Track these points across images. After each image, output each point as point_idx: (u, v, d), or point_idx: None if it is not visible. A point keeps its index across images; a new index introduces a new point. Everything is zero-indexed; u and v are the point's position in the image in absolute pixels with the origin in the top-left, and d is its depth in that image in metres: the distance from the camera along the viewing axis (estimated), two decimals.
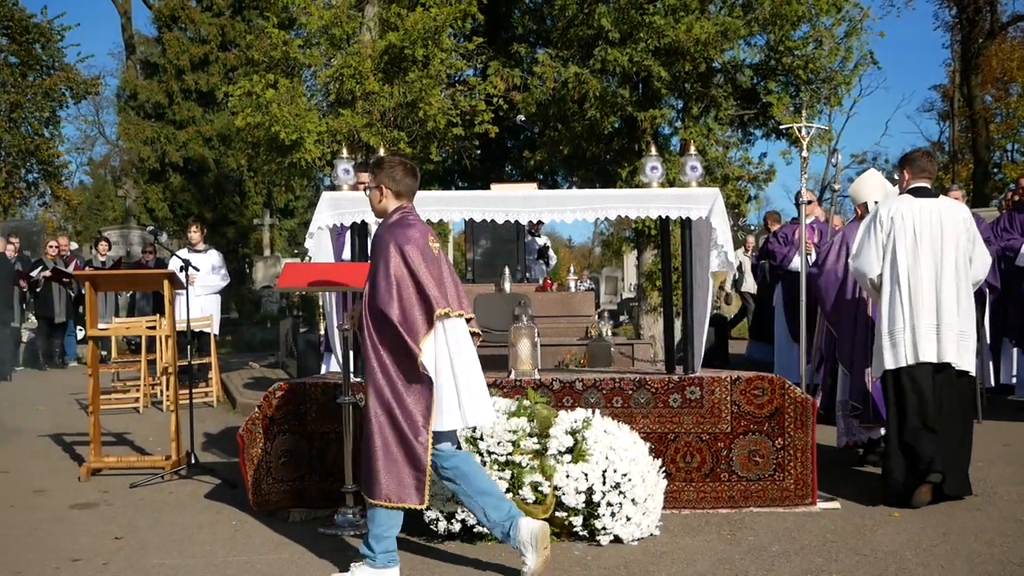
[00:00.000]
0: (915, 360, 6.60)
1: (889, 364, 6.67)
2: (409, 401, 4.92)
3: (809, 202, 10.64)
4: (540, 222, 15.71)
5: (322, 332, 9.91)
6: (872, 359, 7.05)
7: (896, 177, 7.38)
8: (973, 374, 6.79)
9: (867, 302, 7.66)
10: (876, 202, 7.73)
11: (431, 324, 4.94)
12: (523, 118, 13.82)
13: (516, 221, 6.77)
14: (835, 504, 6.51)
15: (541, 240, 17.20)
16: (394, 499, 4.92)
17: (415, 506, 4.98)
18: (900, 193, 7.05)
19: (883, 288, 6.80)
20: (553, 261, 17.17)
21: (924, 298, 6.63)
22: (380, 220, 5.30)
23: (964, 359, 6.64)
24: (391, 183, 5.25)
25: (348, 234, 7.36)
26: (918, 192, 6.89)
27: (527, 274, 14.86)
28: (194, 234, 12.85)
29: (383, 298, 4.93)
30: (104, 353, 12.76)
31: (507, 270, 12.43)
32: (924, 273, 6.66)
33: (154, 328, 11.27)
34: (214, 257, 12.86)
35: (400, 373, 4.93)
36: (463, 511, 5.56)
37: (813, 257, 10.87)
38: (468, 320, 5.27)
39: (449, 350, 5.06)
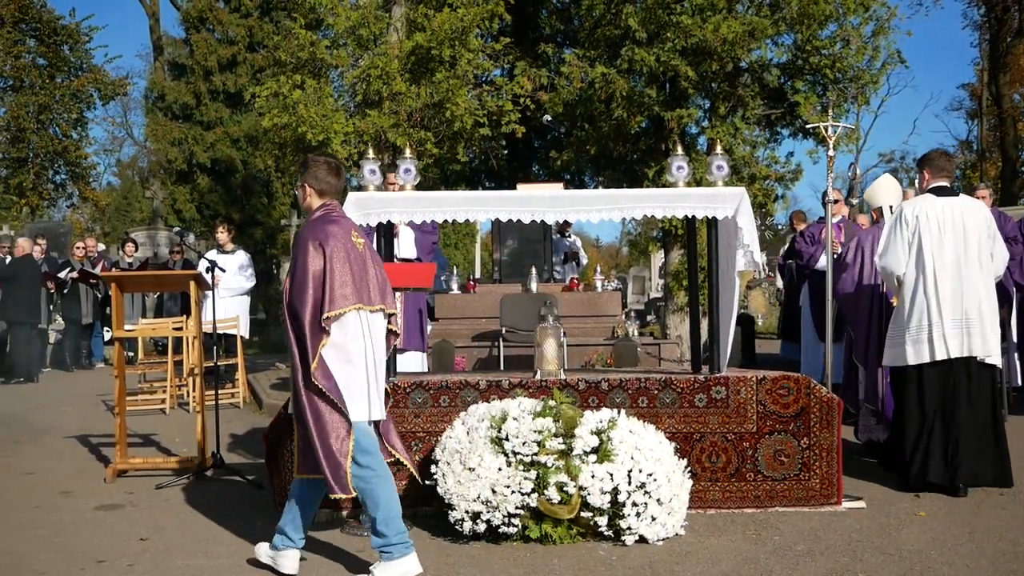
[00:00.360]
0: (945, 355, 6.83)
1: (912, 359, 6.94)
2: (328, 390, 5.03)
3: (836, 201, 10.60)
4: (567, 223, 15.76)
5: None
6: (890, 350, 7.22)
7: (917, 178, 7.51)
8: (999, 366, 7.05)
9: (881, 303, 7.90)
10: (891, 207, 8.12)
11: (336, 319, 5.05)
12: (550, 118, 13.82)
13: (543, 221, 6.75)
14: (860, 503, 6.48)
15: (569, 240, 17.10)
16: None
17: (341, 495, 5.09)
18: (920, 192, 7.29)
19: (906, 284, 7.03)
20: (584, 261, 17.02)
21: (950, 294, 6.86)
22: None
23: (991, 351, 6.88)
24: (314, 182, 5.41)
25: (374, 235, 7.38)
26: (940, 191, 7.12)
27: (554, 275, 14.84)
28: (222, 235, 12.90)
29: (297, 293, 5.04)
30: (131, 354, 12.86)
31: (534, 270, 12.44)
32: (950, 269, 6.89)
33: (180, 329, 11.32)
34: (241, 258, 12.91)
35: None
36: (488, 511, 5.55)
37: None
38: (390, 317, 5.37)
39: (373, 344, 5.19)
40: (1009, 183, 30.48)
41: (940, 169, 7.22)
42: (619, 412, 5.92)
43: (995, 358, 6.92)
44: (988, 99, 36.52)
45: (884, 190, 8.58)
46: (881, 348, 7.52)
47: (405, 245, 8.72)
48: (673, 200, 6.70)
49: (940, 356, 6.85)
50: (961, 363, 6.84)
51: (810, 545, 5.57)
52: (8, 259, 15.60)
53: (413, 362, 8.95)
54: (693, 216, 6.80)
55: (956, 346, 6.83)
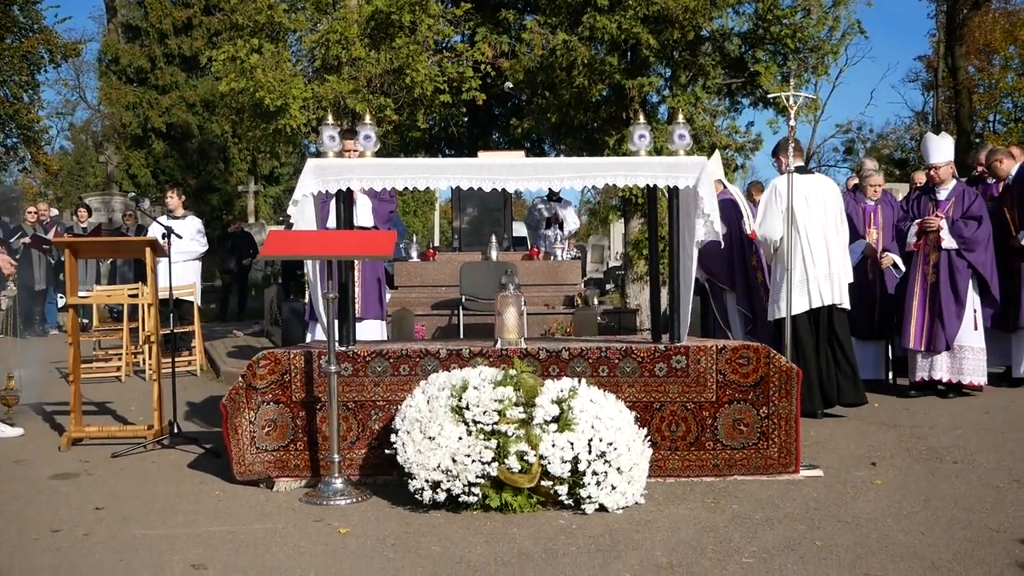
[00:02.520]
0: (820, 303, 8.68)
1: (803, 307, 8.59)
2: None
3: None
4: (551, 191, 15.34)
5: (307, 300, 9.86)
6: (776, 305, 8.74)
7: (863, 159, 8.59)
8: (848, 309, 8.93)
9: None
10: (721, 180, 9.86)
11: None
12: (511, 85, 13.78)
13: (503, 189, 6.71)
14: (818, 472, 6.52)
15: (551, 204, 16.14)
16: None
17: None
18: (781, 173, 8.75)
19: (782, 247, 8.24)
20: (572, 227, 16.21)
21: (818, 253, 8.64)
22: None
23: (845, 300, 8.78)
24: None
25: (332, 202, 7.31)
26: (801, 170, 8.85)
27: (539, 243, 14.65)
28: (172, 200, 12.73)
29: None
30: (85, 321, 12.71)
31: (494, 238, 12.41)
32: (818, 233, 8.66)
33: (136, 296, 11.20)
34: (195, 223, 12.79)
35: None
36: (448, 480, 5.54)
37: None
38: None
39: None
40: (964, 155, 30.67)
41: (796, 153, 8.64)
42: (580, 381, 5.92)
43: (846, 304, 8.80)
44: (944, 71, 36.75)
45: (716, 167, 9.83)
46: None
47: (363, 213, 8.64)
48: (635, 169, 6.67)
49: (816, 304, 8.66)
50: (826, 309, 8.71)
51: (768, 513, 5.60)
52: None
53: (372, 330, 8.90)
54: (654, 185, 6.78)
55: (828, 295, 8.67)
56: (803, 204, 8.64)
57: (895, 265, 10.10)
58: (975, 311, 9.41)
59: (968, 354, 9.34)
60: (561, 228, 15.29)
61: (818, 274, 8.62)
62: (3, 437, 8.25)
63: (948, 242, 9.49)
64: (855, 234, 10.12)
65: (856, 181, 11.33)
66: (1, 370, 8.78)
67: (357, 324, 7.28)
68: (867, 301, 10.27)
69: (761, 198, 9.39)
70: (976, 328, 9.43)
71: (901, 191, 12.80)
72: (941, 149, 9.63)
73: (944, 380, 9.38)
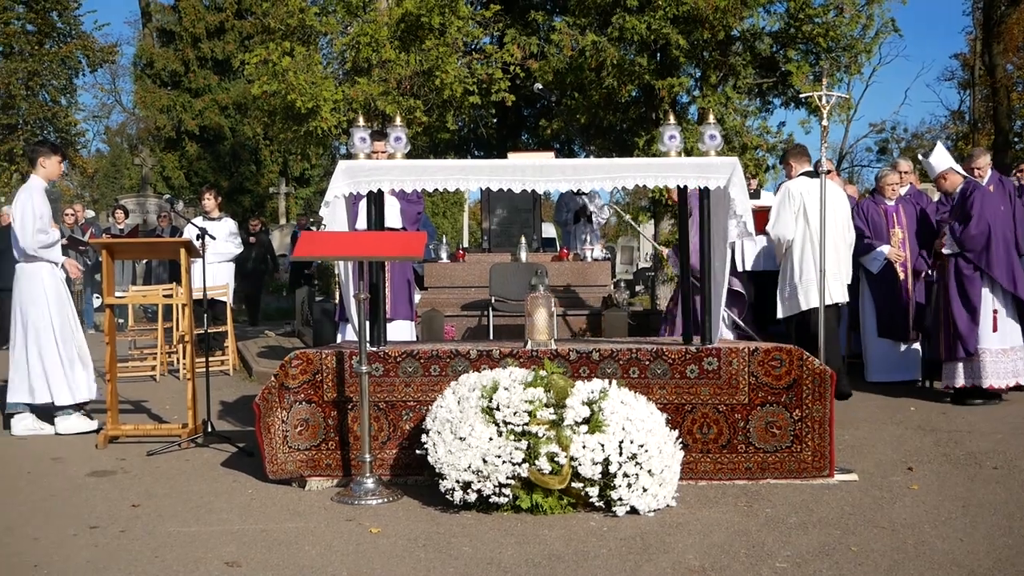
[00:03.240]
0: (830, 300, 9.08)
1: (804, 306, 9.27)
2: None
3: (828, 171, 10.59)
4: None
5: (337, 301, 9.89)
6: (788, 302, 9.50)
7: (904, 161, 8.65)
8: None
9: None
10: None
11: None
12: (540, 86, 13.78)
13: (532, 190, 6.71)
14: (853, 476, 6.47)
15: (582, 198, 15.86)
16: None
17: None
18: (789, 178, 9.73)
19: (795, 248, 9.36)
20: (602, 219, 15.95)
21: (828, 255, 8.82)
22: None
23: (845, 297, 9.61)
24: None
25: (362, 203, 7.33)
26: (809, 175, 9.51)
27: (570, 241, 14.59)
28: (208, 202, 12.83)
29: None
30: (121, 321, 12.81)
31: (523, 239, 12.40)
32: (827, 235, 8.82)
33: (171, 296, 11.28)
34: (229, 224, 12.87)
35: None
36: (479, 481, 5.54)
37: None
38: None
39: None
40: (1002, 154, 30.43)
41: (804, 158, 9.74)
42: (610, 382, 5.90)
43: (845, 299, 9.60)
44: (981, 69, 36.41)
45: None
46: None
47: (391, 215, 8.67)
48: (665, 169, 6.66)
49: (828, 302, 8.94)
50: (834, 307, 9.32)
51: (802, 518, 5.57)
52: None
53: (402, 331, 8.93)
54: (685, 186, 6.77)
55: (837, 295, 9.35)
56: (813, 208, 9.05)
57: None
58: (995, 312, 9.23)
59: (987, 357, 9.17)
60: (590, 221, 15.21)
61: (829, 273, 8.91)
62: (78, 432, 8.42)
63: (949, 247, 9.54)
64: (876, 239, 10.18)
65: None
66: None
67: (387, 325, 7.30)
68: (897, 302, 10.22)
69: (774, 200, 9.94)
70: (995, 330, 9.15)
71: (934, 191, 12.69)
72: (939, 159, 9.53)
73: (961, 386, 9.26)
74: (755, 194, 11.90)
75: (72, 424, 8.47)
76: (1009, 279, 9.12)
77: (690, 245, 7.55)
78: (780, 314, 9.61)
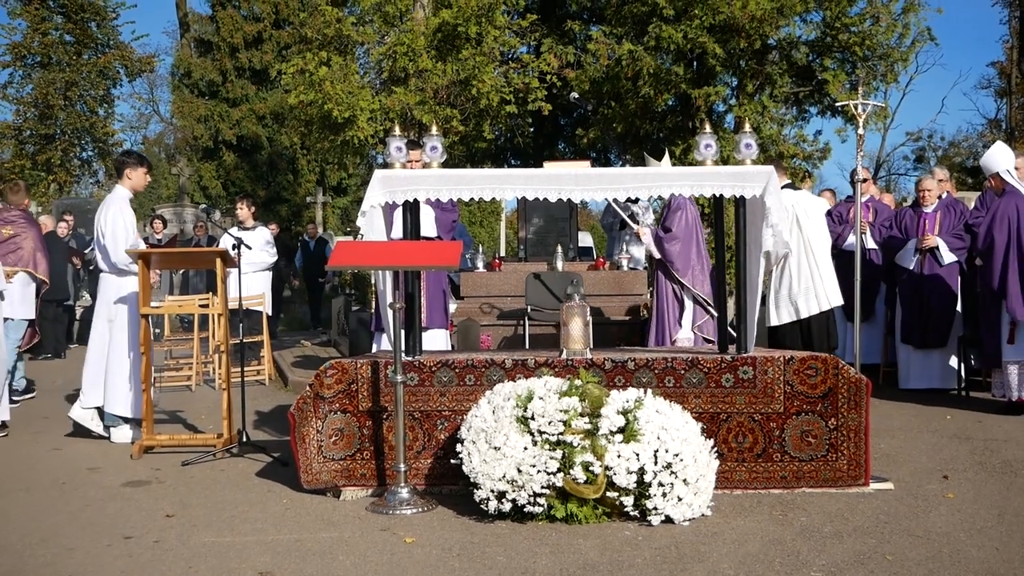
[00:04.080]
0: (828, 306, 9.53)
1: (805, 313, 9.50)
2: None
3: (864, 180, 10.58)
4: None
5: (373, 310, 9.93)
6: (780, 310, 9.66)
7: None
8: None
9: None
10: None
11: None
12: (576, 96, 13.80)
13: (569, 199, 6.71)
14: (888, 485, 6.43)
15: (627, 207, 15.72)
16: None
17: None
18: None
19: (792, 257, 9.38)
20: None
21: (803, 269, 9.39)
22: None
23: (833, 301, 9.62)
24: None
25: (398, 212, 7.35)
26: (788, 187, 9.64)
27: (615, 248, 14.53)
28: (242, 211, 12.88)
29: None
30: (157, 331, 12.88)
31: (559, 248, 12.39)
32: (803, 249, 9.36)
33: (206, 306, 11.35)
34: (265, 234, 12.93)
35: None
36: (514, 490, 5.54)
37: (869, 235, 10.78)
38: None
39: None
40: None
41: (781, 172, 9.80)
42: (645, 392, 5.89)
43: (835, 302, 9.65)
44: (1017, 77, 36.08)
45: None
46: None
47: (426, 224, 8.69)
48: (701, 178, 6.64)
49: (825, 307, 9.49)
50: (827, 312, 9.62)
51: (837, 527, 5.54)
52: None
53: (437, 340, 8.94)
54: (721, 195, 6.75)
55: (813, 307, 9.51)
56: (804, 218, 9.50)
57: (937, 249, 10.06)
58: (1011, 324, 9.07)
59: (1008, 368, 9.07)
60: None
61: (802, 288, 9.48)
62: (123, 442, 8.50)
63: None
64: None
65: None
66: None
67: (423, 333, 7.31)
68: (921, 309, 10.17)
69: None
70: (1011, 342, 9.00)
71: (972, 200, 12.60)
72: (994, 158, 9.41)
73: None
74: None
75: (124, 434, 8.55)
76: (1001, 288, 9.01)
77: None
78: (775, 321, 9.72)
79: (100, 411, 8.64)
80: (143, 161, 8.88)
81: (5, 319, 10.68)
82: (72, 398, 10.85)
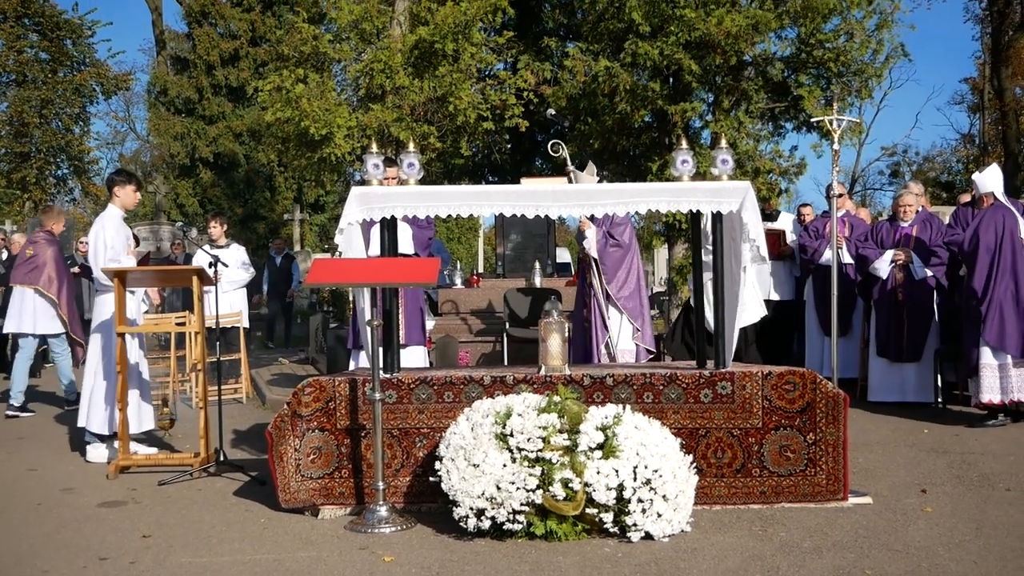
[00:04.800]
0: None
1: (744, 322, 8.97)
2: None
3: (840, 195, 10.63)
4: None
5: (350, 327, 9.91)
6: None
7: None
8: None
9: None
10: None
11: None
12: (553, 112, 13.82)
13: (546, 216, 6.72)
14: (867, 499, 6.45)
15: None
16: None
17: None
18: None
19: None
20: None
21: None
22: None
23: (756, 315, 10.37)
24: None
25: (375, 229, 7.34)
26: None
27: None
28: (215, 229, 12.79)
29: None
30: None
31: (537, 264, 12.41)
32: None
33: (183, 324, 11.29)
34: (239, 251, 12.86)
35: None
36: (493, 508, 5.53)
37: (845, 250, 10.83)
38: None
39: None
40: (1012, 177, 30.38)
41: None
42: (624, 408, 5.89)
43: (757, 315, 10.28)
44: (990, 93, 36.40)
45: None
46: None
47: (403, 241, 8.69)
48: (678, 194, 6.66)
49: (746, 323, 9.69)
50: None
51: (817, 542, 5.54)
52: (3, 254, 15.65)
53: (415, 357, 8.93)
54: (698, 210, 6.77)
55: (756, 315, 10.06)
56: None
57: (911, 263, 10.17)
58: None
59: (983, 371, 9.14)
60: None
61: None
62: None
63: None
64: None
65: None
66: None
67: (401, 351, 7.30)
68: (898, 323, 10.22)
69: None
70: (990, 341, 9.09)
71: (947, 214, 12.68)
72: (986, 179, 9.52)
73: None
74: (771, 216, 11.90)
75: (100, 453, 8.50)
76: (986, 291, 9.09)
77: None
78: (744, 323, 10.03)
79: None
80: (131, 179, 8.92)
81: (24, 335, 11.44)
82: (47, 417, 10.81)
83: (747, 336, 10.78)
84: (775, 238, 11.33)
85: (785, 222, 12.15)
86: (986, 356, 8.99)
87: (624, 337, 9.28)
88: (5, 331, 12.12)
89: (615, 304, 9.28)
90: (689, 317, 10.50)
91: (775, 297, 11.69)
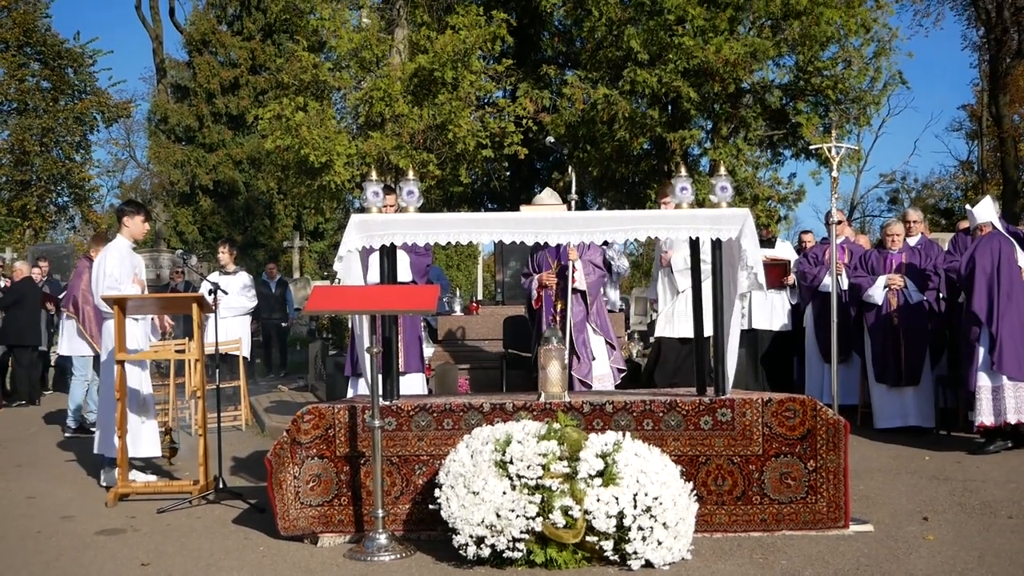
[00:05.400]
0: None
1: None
2: None
3: (839, 222, 10.65)
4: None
5: (348, 355, 9.90)
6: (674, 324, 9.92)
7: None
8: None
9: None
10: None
11: None
12: (552, 139, 13.86)
13: (546, 243, 6.72)
14: (868, 527, 6.42)
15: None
16: None
17: None
18: None
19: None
20: (621, 270, 15.82)
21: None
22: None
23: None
24: None
25: (374, 256, 7.34)
26: None
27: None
28: (223, 256, 12.85)
29: None
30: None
31: None
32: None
33: (183, 352, 11.28)
34: (243, 278, 12.88)
35: None
36: (493, 535, 5.51)
37: (844, 277, 10.84)
38: None
39: None
40: (1011, 203, 30.43)
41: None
42: (624, 435, 5.88)
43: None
44: (988, 120, 36.50)
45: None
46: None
47: (401, 268, 8.68)
48: (677, 221, 6.67)
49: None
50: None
51: (818, 570, 5.52)
52: (4, 282, 15.64)
53: (414, 384, 8.91)
54: (697, 237, 6.77)
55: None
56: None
57: (905, 287, 10.17)
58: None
59: (980, 393, 9.12)
60: (609, 271, 15.16)
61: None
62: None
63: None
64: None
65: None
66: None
67: (400, 378, 7.29)
68: (894, 347, 10.23)
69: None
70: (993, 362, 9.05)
71: (945, 241, 12.70)
72: (982, 211, 9.53)
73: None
74: (770, 242, 11.87)
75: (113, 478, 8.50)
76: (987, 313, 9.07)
77: None
78: (667, 333, 10.14)
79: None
80: (141, 209, 9.00)
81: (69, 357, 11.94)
82: (47, 445, 10.78)
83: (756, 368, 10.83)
84: (780, 269, 11.32)
85: (785, 250, 12.13)
86: (982, 379, 8.99)
87: (600, 362, 9.28)
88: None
89: (594, 329, 9.27)
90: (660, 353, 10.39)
91: (774, 327, 11.64)
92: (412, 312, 7.35)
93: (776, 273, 11.21)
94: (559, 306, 9.17)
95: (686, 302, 9.37)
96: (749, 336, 11.30)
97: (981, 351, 9.05)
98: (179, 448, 9.16)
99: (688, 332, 9.08)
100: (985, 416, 8.98)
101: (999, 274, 8.98)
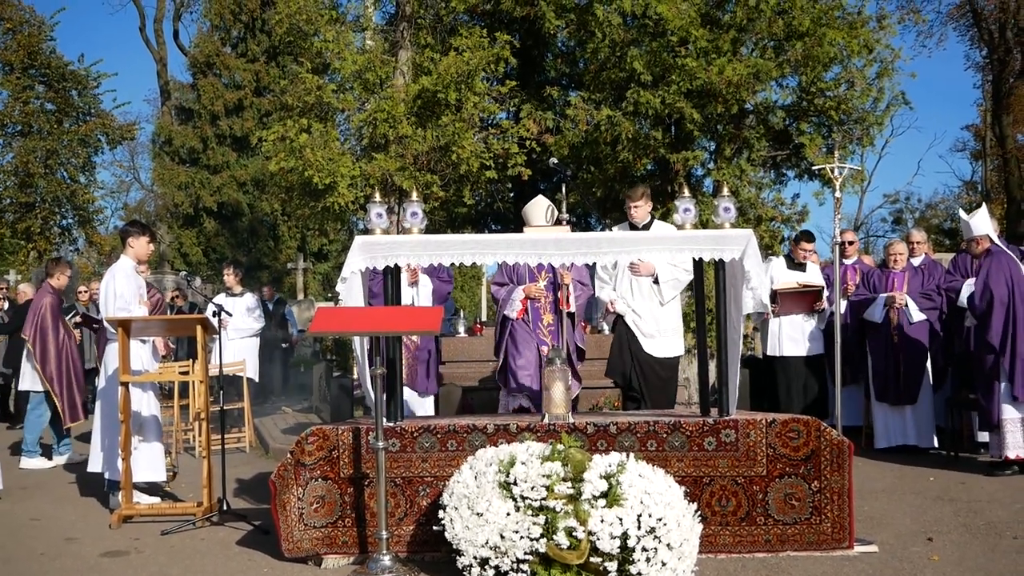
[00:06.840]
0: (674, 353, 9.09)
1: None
2: None
3: (851, 243, 10.73)
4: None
5: (355, 376, 9.90)
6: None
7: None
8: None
9: None
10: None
11: None
12: (556, 161, 13.83)
13: (549, 264, 6.74)
14: (873, 548, 6.42)
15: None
16: None
17: None
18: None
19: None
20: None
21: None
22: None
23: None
24: None
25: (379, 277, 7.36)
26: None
27: (593, 311, 14.62)
28: (229, 278, 12.91)
29: None
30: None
31: None
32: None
33: (187, 373, 11.28)
34: (249, 300, 12.92)
35: None
36: (497, 557, 5.50)
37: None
38: None
39: None
40: (1014, 223, 30.42)
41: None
42: (628, 456, 5.87)
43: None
44: (992, 140, 36.53)
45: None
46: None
47: (424, 294, 8.71)
48: (680, 242, 6.69)
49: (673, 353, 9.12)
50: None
51: None
52: (7, 305, 15.69)
53: (428, 405, 8.93)
54: (701, 258, 6.79)
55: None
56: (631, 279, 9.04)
57: (906, 307, 10.18)
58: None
59: (1006, 426, 9.06)
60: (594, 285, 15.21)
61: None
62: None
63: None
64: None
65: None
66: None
67: (421, 398, 7.30)
68: (896, 367, 10.24)
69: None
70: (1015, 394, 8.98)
71: (948, 261, 12.70)
72: (979, 221, 9.49)
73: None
74: (801, 267, 11.65)
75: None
76: (1004, 346, 8.97)
77: None
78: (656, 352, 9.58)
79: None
80: (145, 230, 9.02)
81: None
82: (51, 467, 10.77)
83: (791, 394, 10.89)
84: (812, 295, 11.23)
85: (816, 275, 11.78)
86: (1008, 412, 8.93)
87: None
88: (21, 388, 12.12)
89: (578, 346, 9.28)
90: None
91: (806, 353, 11.43)
92: (416, 333, 7.36)
93: (809, 300, 11.17)
94: (547, 319, 9.15)
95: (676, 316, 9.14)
96: (781, 362, 11.28)
97: (1002, 383, 8.99)
98: (178, 472, 9.15)
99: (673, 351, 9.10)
100: (1011, 449, 8.92)
101: (1014, 298, 8.93)
